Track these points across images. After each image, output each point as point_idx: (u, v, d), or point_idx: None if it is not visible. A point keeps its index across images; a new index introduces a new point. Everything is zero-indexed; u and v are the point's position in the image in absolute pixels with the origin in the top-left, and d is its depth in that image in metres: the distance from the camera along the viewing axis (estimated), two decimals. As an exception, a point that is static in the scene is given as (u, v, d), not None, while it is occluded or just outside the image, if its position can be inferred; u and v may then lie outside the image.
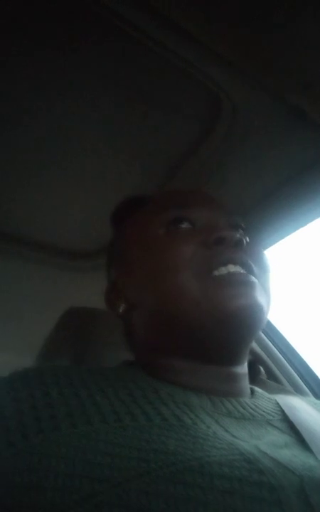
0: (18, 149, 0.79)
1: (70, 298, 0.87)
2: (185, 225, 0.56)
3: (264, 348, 1.00)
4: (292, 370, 0.99)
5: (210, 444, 0.38)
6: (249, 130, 0.74)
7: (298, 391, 0.93)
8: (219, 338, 0.50)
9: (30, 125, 0.74)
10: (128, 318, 0.60)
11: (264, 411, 0.52)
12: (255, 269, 0.52)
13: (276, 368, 0.97)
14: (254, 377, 0.80)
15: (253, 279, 0.51)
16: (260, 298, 0.49)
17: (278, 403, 0.56)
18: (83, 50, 0.63)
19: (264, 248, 0.92)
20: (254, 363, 0.92)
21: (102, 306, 0.65)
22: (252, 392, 0.58)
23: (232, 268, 0.50)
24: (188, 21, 0.58)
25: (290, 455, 0.40)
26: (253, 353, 0.95)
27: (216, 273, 0.50)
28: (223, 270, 0.50)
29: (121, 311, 0.59)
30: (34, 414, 0.41)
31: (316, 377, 1.01)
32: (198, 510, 0.32)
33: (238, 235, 0.52)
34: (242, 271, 0.51)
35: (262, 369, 0.86)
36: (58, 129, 0.75)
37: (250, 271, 0.52)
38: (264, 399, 0.56)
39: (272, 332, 1.04)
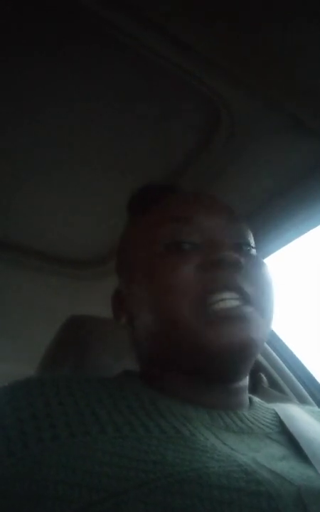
0: (19, 158, 0.80)
1: (72, 306, 0.87)
2: (182, 244, 0.54)
3: (267, 356, 0.99)
4: (295, 379, 0.98)
5: (208, 455, 0.38)
6: (248, 138, 0.74)
7: (300, 399, 0.93)
8: (211, 369, 0.50)
9: (32, 134, 0.75)
10: (130, 327, 0.60)
11: (262, 423, 0.51)
12: (253, 291, 0.51)
13: (278, 376, 0.97)
14: (256, 385, 0.80)
15: (247, 310, 0.49)
16: (253, 332, 0.48)
17: (277, 414, 0.56)
18: (84, 60, 0.64)
19: (264, 256, 0.92)
20: (257, 372, 0.92)
21: (103, 314, 0.65)
22: (251, 402, 0.57)
23: (227, 295, 0.49)
24: (186, 32, 0.59)
25: (288, 467, 0.40)
26: (255, 361, 0.95)
27: (211, 301, 0.49)
28: (217, 298, 0.49)
29: (123, 320, 0.59)
30: (34, 423, 0.41)
31: (318, 385, 1.00)
32: None
33: (236, 256, 0.50)
34: (236, 301, 0.49)
35: (264, 377, 0.86)
36: (59, 139, 0.76)
37: (246, 298, 0.50)
38: (263, 410, 0.56)
39: (275, 340, 1.03)
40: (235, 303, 0.49)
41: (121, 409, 0.44)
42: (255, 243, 0.60)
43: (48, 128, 0.74)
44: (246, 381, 0.56)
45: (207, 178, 0.82)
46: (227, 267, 0.50)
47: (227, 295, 0.49)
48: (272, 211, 0.86)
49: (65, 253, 1.05)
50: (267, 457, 0.41)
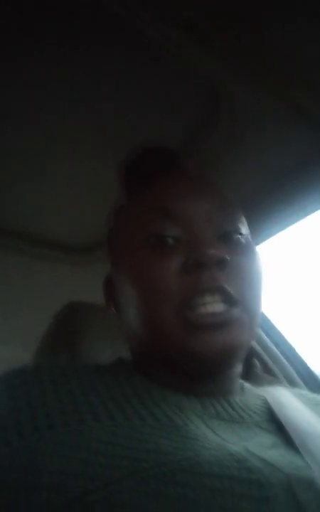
0: (14, 143, 0.79)
1: (69, 292, 0.87)
2: (168, 241, 0.51)
3: (259, 341, 1.01)
4: (286, 363, 1.01)
5: (200, 444, 0.39)
6: (248, 127, 0.73)
7: (292, 384, 0.95)
8: (199, 369, 0.50)
9: (29, 122, 0.74)
10: (119, 315, 0.59)
11: (252, 411, 0.52)
12: (239, 287, 0.49)
13: (271, 361, 0.99)
14: (249, 370, 0.81)
15: (231, 315, 0.47)
16: (238, 336, 0.47)
17: (267, 400, 0.57)
18: (84, 43, 0.62)
19: (262, 241, 0.93)
20: (250, 357, 0.94)
21: (100, 300, 0.65)
22: (242, 388, 0.58)
23: (210, 298, 0.47)
24: (189, 19, 0.58)
25: (278, 455, 0.41)
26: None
27: (193, 305, 0.47)
28: (200, 302, 0.47)
29: (112, 308, 0.59)
30: (30, 412, 0.41)
31: (310, 370, 1.03)
32: (189, 508, 0.33)
33: (219, 255, 0.47)
34: (220, 304, 0.48)
35: (257, 362, 0.88)
36: (58, 126, 0.75)
37: (230, 299, 0.48)
38: (254, 396, 0.57)
39: (267, 326, 1.05)
40: (218, 307, 0.47)
41: (116, 398, 0.45)
42: (250, 228, 0.58)
43: (45, 116, 0.73)
44: (238, 368, 0.56)
45: (205, 164, 0.82)
46: (210, 267, 0.48)
47: (209, 299, 0.47)
48: (271, 198, 0.86)
49: (64, 238, 1.05)
50: (257, 446, 0.42)
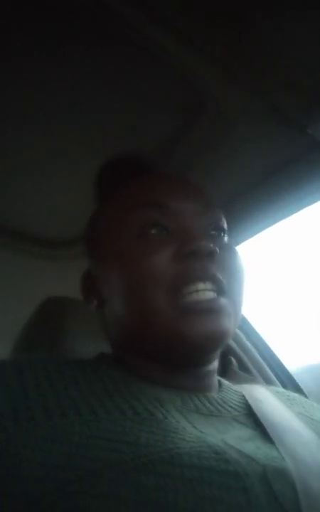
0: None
1: (49, 288, 0.87)
2: (157, 230, 0.53)
3: (236, 339, 1.02)
4: (262, 362, 1.02)
5: (180, 437, 0.40)
6: (230, 125, 0.74)
7: (268, 382, 0.96)
8: (181, 356, 0.52)
9: (6, 113, 0.73)
10: (100, 310, 0.60)
11: (230, 406, 0.54)
12: (226, 279, 0.51)
13: (247, 359, 1.00)
14: (225, 368, 0.83)
15: (220, 303, 0.50)
16: (226, 323, 0.50)
17: (244, 396, 0.58)
18: (69, 37, 0.62)
19: (238, 243, 0.95)
20: (227, 354, 0.95)
21: (79, 296, 0.65)
22: (220, 385, 0.60)
23: (202, 286, 0.50)
24: (174, 16, 0.58)
25: (254, 447, 0.42)
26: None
27: (185, 292, 0.49)
28: (192, 289, 0.49)
29: (93, 303, 0.59)
30: (11, 405, 0.42)
31: (286, 369, 1.05)
32: (168, 497, 0.33)
33: (211, 246, 0.50)
34: (211, 292, 0.50)
35: (233, 360, 0.89)
36: (35, 117, 0.74)
37: (220, 288, 0.51)
38: (231, 393, 0.58)
39: (244, 324, 1.06)
40: (209, 294, 0.50)
41: (97, 392, 0.46)
42: (229, 229, 0.60)
43: (23, 107, 0.72)
44: (216, 364, 0.58)
45: (185, 163, 0.82)
46: (201, 257, 0.50)
47: (201, 286, 0.50)
48: (248, 198, 0.88)
49: (41, 233, 1.03)
50: (235, 439, 0.43)
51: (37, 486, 0.35)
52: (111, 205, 0.60)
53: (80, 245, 1.03)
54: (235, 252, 0.56)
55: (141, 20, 0.58)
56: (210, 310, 0.49)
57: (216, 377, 0.60)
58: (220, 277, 0.51)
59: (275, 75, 0.65)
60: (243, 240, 0.95)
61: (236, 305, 0.53)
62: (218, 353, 0.56)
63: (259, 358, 1.02)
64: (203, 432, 0.43)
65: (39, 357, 0.51)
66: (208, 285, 0.50)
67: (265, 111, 0.71)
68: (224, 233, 0.58)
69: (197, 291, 0.49)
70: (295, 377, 1.05)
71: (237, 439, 0.44)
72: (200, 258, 0.50)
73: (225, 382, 0.62)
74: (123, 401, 0.45)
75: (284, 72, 0.64)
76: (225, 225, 0.59)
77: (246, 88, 0.68)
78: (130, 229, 0.54)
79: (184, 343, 0.49)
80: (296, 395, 0.69)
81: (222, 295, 0.51)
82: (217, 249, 0.51)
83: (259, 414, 0.52)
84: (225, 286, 0.51)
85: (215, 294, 0.50)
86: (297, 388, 1.01)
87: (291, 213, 0.88)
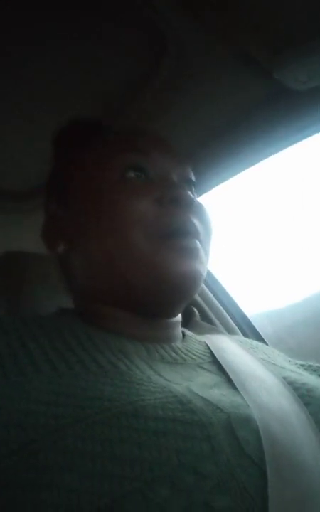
0: None
1: (4, 242, 0.83)
2: (140, 175, 0.55)
3: (200, 291, 1.03)
4: (224, 312, 1.05)
5: (144, 388, 0.40)
6: (195, 70, 0.70)
7: (229, 331, 0.99)
8: (156, 298, 0.52)
9: None
10: (66, 258, 0.59)
11: (194, 354, 0.54)
12: (201, 230, 0.54)
13: (209, 310, 1.02)
14: (188, 319, 0.84)
15: (198, 245, 0.53)
16: (201, 265, 0.52)
17: (207, 345, 0.59)
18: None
19: (203, 192, 0.93)
20: (189, 306, 0.96)
21: (38, 250, 0.63)
22: (184, 335, 0.60)
23: (181, 231, 0.52)
24: None
25: (219, 394, 0.42)
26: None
27: (164, 235, 0.51)
28: (173, 232, 0.51)
29: (58, 250, 0.57)
30: None
31: (246, 317, 1.08)
32: (133, 450, 0.33)
33: (191, 196, 0.52)
34: (190, 237, 0.52)
35: (196, 311, 0.90)
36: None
37: (196, 235, 0.53)
38: (195, 342, 0.59)
39: (207, 275, 1.07)
40: (189, 237, 0.52)
41: (57, 347, 0.45)
42: (196, 178, 0.62)
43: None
44: (179, 317, 0.59)
45: (151, 112, 0.78)
46: (183, 206, 0.52)
47: (181, 231, 0.52)
48: (213, 145, 0.86)
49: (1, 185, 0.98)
50: (199, 386, 0.44)
51: None
52: (87, 153, 0.60)
53: (35, 199, 0.99)
54: (203, 205, 0.57)
55: None
56: (190, 250, 0.51)
57: (180, 328, 0.60)
58: (197, 226, 0.53)
59: (241, 17, 0.61)
60: (208, 190, 0.94)
61: (206, 254, 0.55)
62: (186, 303, 0.57)
63: (222, 309, 1.04)
64: (168, 379, 0.44)
65: None
66: (187, 232, 0.52)
67: (231, 54, 0.67)
68: (193, 186, 0.61)
69: (177, 234, 0.51)
70: (253, 322, 1.08)
71: (202, 386, 0.44)
72: (181, 206, 0.52)
73: (188, 332, 0.63)
74: (85, 354, 0.44)
75: (251, 14, 0.60)
76: (193, 178, 0.61)
77: (211, 31, 0.63)
78: (112, 172, 0.54)
79: (160, 280, 0.50)
80: (258, 343, 0.71)
81: (199, 241, 0.53)
82: (196, 200, 0.54)
83: (222, 362, 0.53)
84: (201, 234, 0.54)
85: (195, 240, 0.53)
86: (258, 337, 1.05)
87: (257, 161, 0.87)
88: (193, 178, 0.61)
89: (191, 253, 0.51)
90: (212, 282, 1.08)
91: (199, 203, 0.56)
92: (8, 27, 0.62)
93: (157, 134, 0.64)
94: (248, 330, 1.05)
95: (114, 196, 0.52)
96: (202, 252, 0.53)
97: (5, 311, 0.69)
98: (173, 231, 0.51)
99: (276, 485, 0.33)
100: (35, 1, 0.58)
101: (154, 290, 0.51)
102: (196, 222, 0.53)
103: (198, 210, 0.55)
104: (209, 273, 1.09)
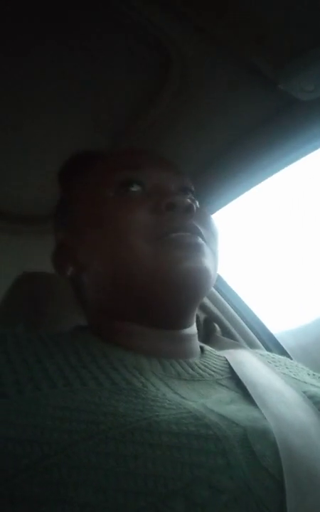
0: None
1: (22, 264, 0.85)
2: (135, 188, 0.55)
3: (218, 305, 1.02)
4: (245, 326, 1.03)
5: (159, 405, 0.39)
6: (201, 86, 0.71)
7: (251, 345, 0.97)
8: (166, 302, 0.52)
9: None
10: (77, 280, 0.60)
11: (213, 370, 0.54)
12: (204, 233, 0.53)
13: (230, 324, 1.00)
14: (209, 334, 0.83)
15: (201, 241, 0.52)
16: (207, 261, 0.51)
17: (227, 360, 0.58)
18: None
19: (217, 209, 0.93)
20: (210, 321, 0.95)
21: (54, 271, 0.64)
22: (202, 351, 0.60)
23: (182, 233, 0.52)
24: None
25: (235, 410, 0.42)
26: (208, 311, 0.98)
27: (166, 238, 0.51)
28: (173, 235, 0.51)
29: (69, 273, 0.58)
30: None
31: (268, 331, 1.05)
32: (147, 465, 0.33)
33: (189, 201, 0.52)
34: (190, 235, 0.52)
35: (216, 326, 0.89)
36: (4, 92, 0.70)
37: (197, 232, 0.53)
38: (213, 357, 0.58)
39: (225, 289, 1.06)
40: (189, 235, 0.52)
41: (72, 364, 0.45)
42: (205, 197, 0.61)
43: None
44: (194, 329, 0.58)
45: (158, 127, 0.79)
46: (181, 211, 0.52)
47: (181, 232, 0.51)
48: (223, 164, 0.85)
49: (16, 209, 1.00)
50: (216, 402, 0.43)
51: (13, 462, 0.34)
52: (88, 173, 0.61)
53: (51, 221, 1.01)
54: (209, 216, 0.57)
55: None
56: (191, 244, 0.51)
57: (197, 343, 0.59)
58: (199, 228, 0.53)
59: (249, 32, 0.61)
60: (218, 208, 0.93)
61: (214, 254, 0.55)
62: (195, 308, 0.56)
63: (243, 323, 1.03)
64: (184, 397, 0.43)
65: (11, 332, 0.51)
66: (188, 233, 0.52)
67: (237, 68, 0.67)
68: (194, 195, 0.61)
69: (177, 231, 0.51)
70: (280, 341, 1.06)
71: (218, 402, 0.44)
72: (179, 211, 0.52)
73: (207, 348, 0.62)
74: (99, 371, 0.44)
75: (253, 26, 0.61)
76: (193, 189, 0.62)
77: (218, 46, 0.64)
78: (109, 189, 0.55)
79: (166, 281, 0.49)
80: (280, 357, 0.70)
81: (203, 239, 0.53)
82: (195, 205, 0.53)
83: (240, 376, 0.52)
84: (204, 236, 0.53)
85: (196, 235, 0.52)
86: (282, 351, 1.03)
87: (268, 176, 0.86)
88: (193, 188, 0.61)
89: (194, 248, 0.51)
90: (233, 298, 1.07)
91: (199, 209, 0.56)
92: (14, 50, 0.64)
93: (152, 151, 0.65)
94: (271, 344, 1.03)
95: (111, 213, 0.53)
96: (207, 249, 0.53)
97: (23, 328, 0.70)
98: (173, 230, 0.51)
99: (294, 498, 0.32)
100: (36, 22, 0.60)
101: (162, 293, 0.51)
102: (197, 224, 0.53)
103: (198, 214, 0.55)
104: (230, 289, 1.08)
